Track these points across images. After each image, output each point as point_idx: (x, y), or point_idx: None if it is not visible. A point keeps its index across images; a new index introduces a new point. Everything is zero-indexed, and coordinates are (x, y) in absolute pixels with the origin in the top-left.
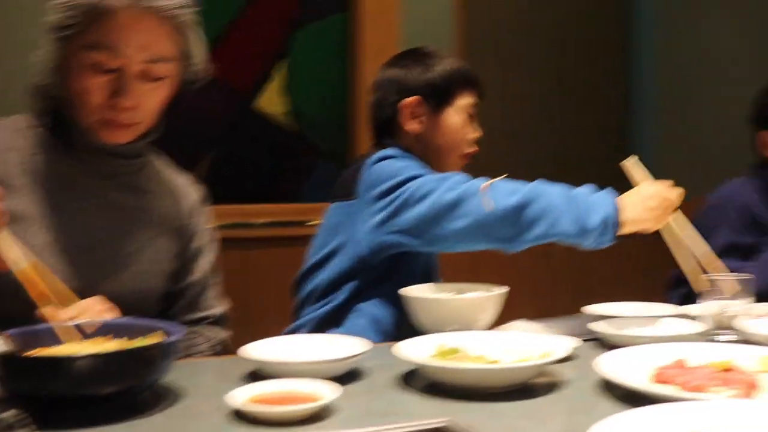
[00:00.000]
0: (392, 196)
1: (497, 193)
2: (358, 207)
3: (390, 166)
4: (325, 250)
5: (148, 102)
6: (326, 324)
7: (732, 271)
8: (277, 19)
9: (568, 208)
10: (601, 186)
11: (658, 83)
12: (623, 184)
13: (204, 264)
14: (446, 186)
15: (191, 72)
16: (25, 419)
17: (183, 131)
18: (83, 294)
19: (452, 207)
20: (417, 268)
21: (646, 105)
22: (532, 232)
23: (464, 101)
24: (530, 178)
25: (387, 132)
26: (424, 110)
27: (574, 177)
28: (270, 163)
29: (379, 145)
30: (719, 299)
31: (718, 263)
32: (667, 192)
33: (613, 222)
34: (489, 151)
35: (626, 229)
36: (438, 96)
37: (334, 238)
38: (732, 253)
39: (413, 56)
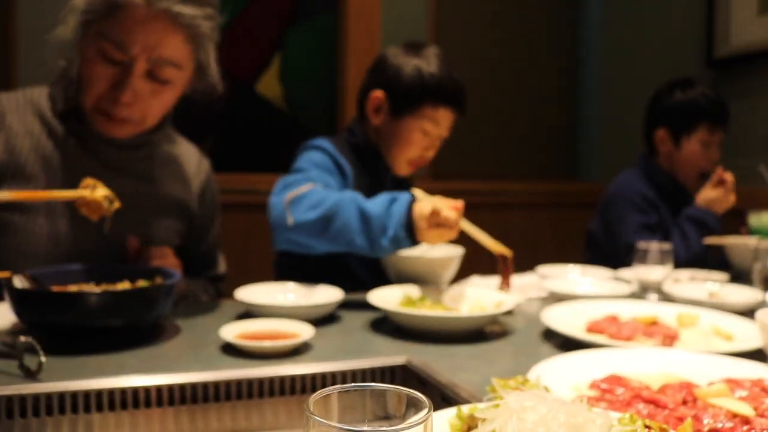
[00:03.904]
0: None
1: (298, 208)
2: None
3: (300, 158)
4: None
5: (148, 102)
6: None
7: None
8: (275, 17)
9: (361, 228)
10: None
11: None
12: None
13: (212, 234)
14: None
15: (205, 83)
16: (35, 346)
17: (192, 112)
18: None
19: (270, 218)
20: None
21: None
22: (332, 245)
23: (431, 113)
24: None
25: (363, 112)
26: (387, 108)
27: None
28: (267, 141)
29: (354, 122)
30: (646, 265)
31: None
32: (449, 213)
33: (403, 238)
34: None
35: (420, 239)
36: (402, 99)
37: None
38: (644, 232)
39: (410, 49)
